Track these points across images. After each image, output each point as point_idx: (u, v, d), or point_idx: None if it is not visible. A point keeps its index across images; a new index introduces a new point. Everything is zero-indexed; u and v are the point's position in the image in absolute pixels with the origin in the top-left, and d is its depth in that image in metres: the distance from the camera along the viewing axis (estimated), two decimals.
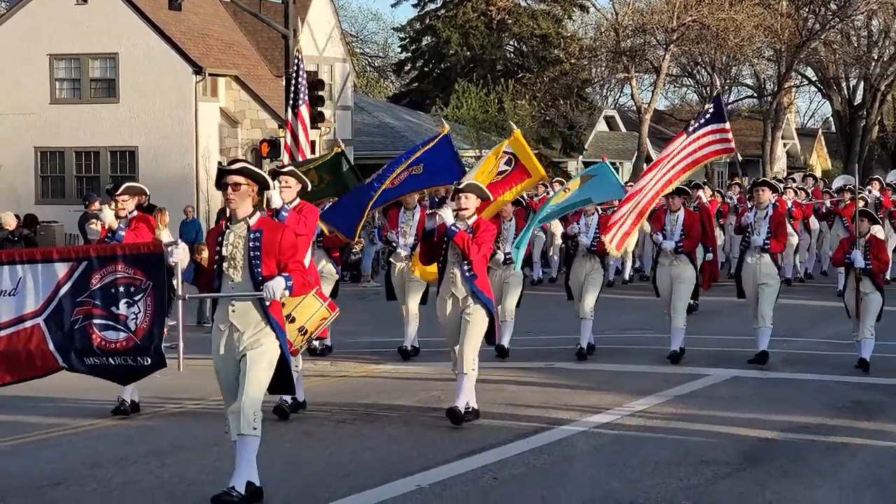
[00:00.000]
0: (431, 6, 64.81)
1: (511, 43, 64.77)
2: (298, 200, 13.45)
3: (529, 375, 16.15)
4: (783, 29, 59.24)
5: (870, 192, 29.52)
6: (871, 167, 62.06)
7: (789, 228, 27.35)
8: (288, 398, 13.08)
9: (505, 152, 15.52)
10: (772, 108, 64.23)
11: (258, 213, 9.95)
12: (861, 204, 26.26)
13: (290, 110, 20.83)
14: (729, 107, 67.86)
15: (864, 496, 10.41)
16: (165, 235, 17.64)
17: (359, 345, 19.18)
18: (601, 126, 68.95)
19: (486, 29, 62.17)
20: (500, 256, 17.60)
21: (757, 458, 11.64)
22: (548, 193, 26.33)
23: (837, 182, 41.35)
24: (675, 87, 72.69)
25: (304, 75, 20.48)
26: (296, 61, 20.73)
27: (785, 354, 17.72)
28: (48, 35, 43.02)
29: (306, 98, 20.70)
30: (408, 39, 67.09)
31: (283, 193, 13.19)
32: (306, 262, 12.86)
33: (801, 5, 61.32)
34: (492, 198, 14.08)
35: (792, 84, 67.46)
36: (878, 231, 22.07)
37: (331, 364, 16.85)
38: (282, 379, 9.98)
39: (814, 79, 68.96)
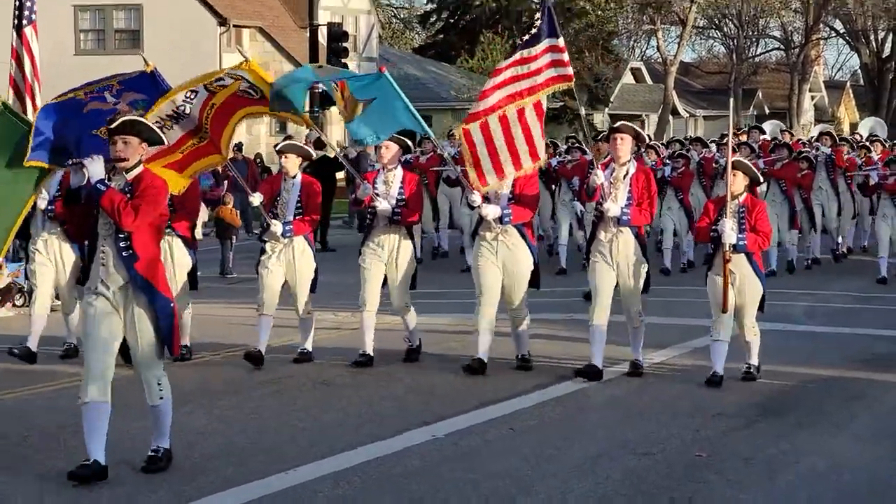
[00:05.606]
0: None
1: None
2: None
3: (548, 327, 16.10)
4: None
5: (818, 148, 24.16)
6: None
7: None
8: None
9: (238, 76, 11.75)
10: (799, 60, 63.89)
11: None
12: (804, 165, 21.59)
13: (13, 32, 17.08)
14: (756, 59, 67.59)
15: (880, 447, 10.39)
16: None
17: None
18: (627, 78, 68.67)
19: None
20: (278, 228, 13.42)
21: (773, 409, 11.64)
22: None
23: (814, 132, 37.49)
24: (701, 39, 72.51)
25: None
26: None
27: (804, 308, 17.66)
28: None
29: (34, 16, 16.60)
30: None
31: None
32: None
33: None
34: (167, 143, 10.48)
35: (819, 36, 67.02)
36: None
37: (352, 315, 16.83)
38: None
39: (842, 31, 68.52)
